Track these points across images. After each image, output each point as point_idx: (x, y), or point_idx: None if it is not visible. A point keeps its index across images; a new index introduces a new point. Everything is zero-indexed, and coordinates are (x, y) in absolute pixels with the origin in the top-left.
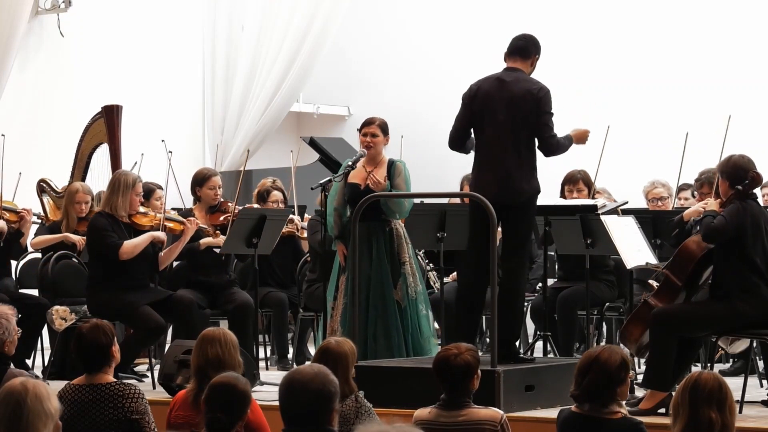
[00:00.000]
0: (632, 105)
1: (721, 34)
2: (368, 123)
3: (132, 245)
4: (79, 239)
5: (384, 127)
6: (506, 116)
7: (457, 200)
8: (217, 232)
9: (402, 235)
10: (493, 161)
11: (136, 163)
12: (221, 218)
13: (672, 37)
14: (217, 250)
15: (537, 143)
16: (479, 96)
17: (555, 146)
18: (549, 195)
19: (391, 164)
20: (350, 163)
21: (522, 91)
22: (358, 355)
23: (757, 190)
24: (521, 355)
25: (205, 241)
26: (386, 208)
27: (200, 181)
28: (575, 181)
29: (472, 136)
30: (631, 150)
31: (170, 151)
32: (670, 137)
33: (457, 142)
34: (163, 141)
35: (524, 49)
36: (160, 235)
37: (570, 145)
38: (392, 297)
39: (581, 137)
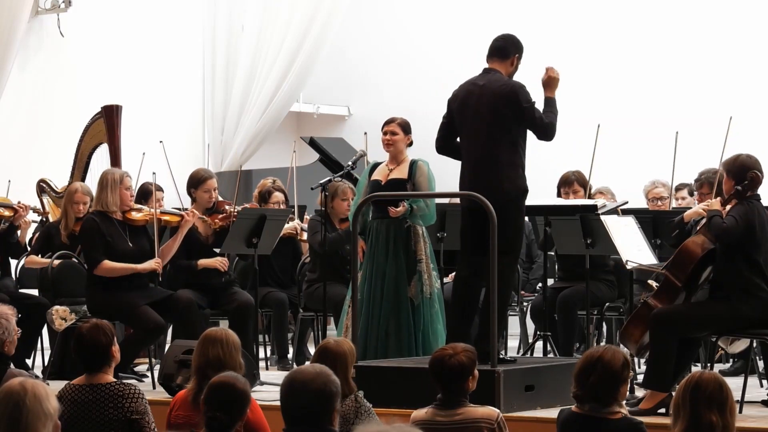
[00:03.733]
0: (632, 104)
1: (720, 34)
2: (388, 122)
3: (110, 268)
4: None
5: (404, 126)
6: (482, 120)
7: (458, 200)
8: (211, 227)
9: (420, 233)
10: (473, 165)
11: (144, 153)
12: (218, 220)
13: (669, 36)
14: (218, 250)
15: (536, 137)
16: (457, 102)
17: (549, 127)
18: (546, 197)
19: (413, 164)
20: (350, 163)
21: (493, 92)
22: (368, 351)
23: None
24: (502, 357)
25: (203, 262)
26: (415, 219)
27: (195, 183)
28: (570, 182)
29: None
30: (630, 150)
31: (161, 141)
32: (670, 137)
33: (440, 146)
34: (161, 142)
35: (503, 49)
36: (146, 266)
37: (555, 103)
38: (406, 294)
39: (552, 84)
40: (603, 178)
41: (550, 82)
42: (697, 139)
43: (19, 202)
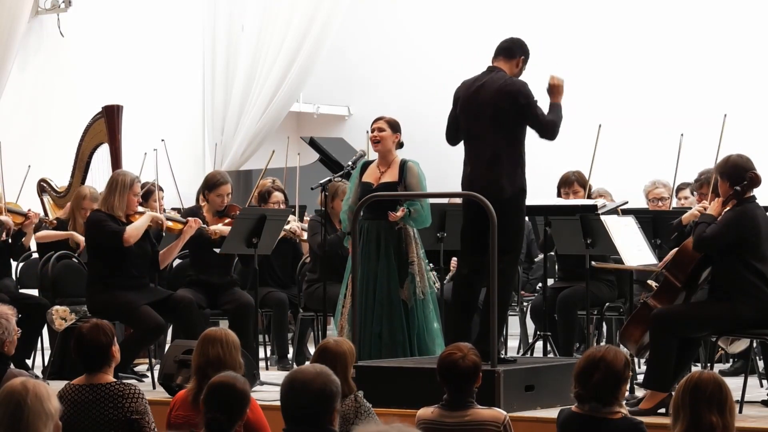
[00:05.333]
0: (633, 105)
1: (718, 33)
2: (377, 119)
3: (134, 228)
4: (83, 240)
5: (393, 124)
6: (484, 117)
7: (458, 200)
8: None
9: (411, 235)
10: (474, 163)
11: (146, 153)
12: (226, 223)
13: (671, 36)
14: (218, 251)
15: (538, 135)
16: (460, 99)
17: (550, 125)
18: (546, 197)
19: (403, 164)
20: (350, 163)
21: (496, 90)
22: (362, 353)
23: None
24: (502, 357)
25: (215, 228)
26: (411, 221)
27: (210, 186)
28: (570, 183)
29: None
30: (630, 150)
31: (162, 139)
32: (668, 136)
33: (449, 138)
34: (162, 140)
35: (509, 49)
36: (160, 216)
37: (560, 109)
38: (398, 296)
39: (555, 91)
40: (603, 178)
41: (553, 90)
42: (699, 139)
43: (29, 210)
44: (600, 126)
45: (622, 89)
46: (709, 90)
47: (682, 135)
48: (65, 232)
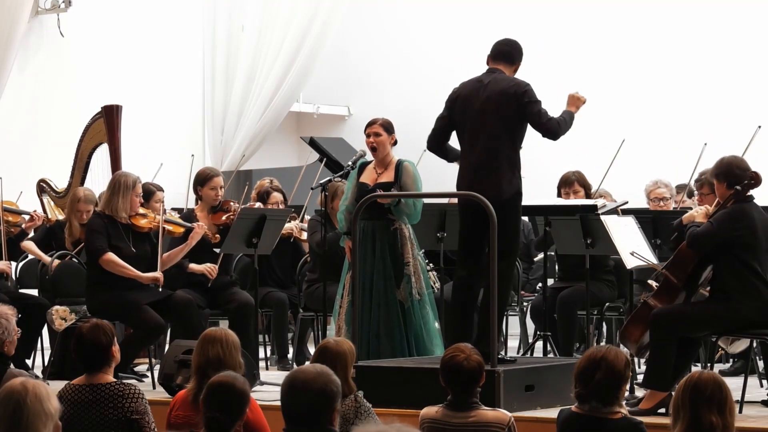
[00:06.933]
0: (628, 107)
1: (723, 41)
2: (371, 123)
3: (114, 261)
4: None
5: (387, 126)
6: (486, 117)
7: (457, 200)
8: (217, 236)
9: (407, 236)
10: (475, 163)
11: (162, 164)
12: (223, 218)
13: (685, 46)
14: (217, 251)
15: (540, 134)
16: (459, 101)
17: (556, 128)
18: (546, 197)
19: (399, 165)
20: (350, 163)
21: (500, 91)
22: (360, 354)
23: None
24: (502, 357)
25: (193, 266)
26: (399, 213)
27: (202, 180)
28: (570, 183)
29: (458, 148)
30: (632, 156)
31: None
32: (666, 142)
33: (433, 143)
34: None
35: (509, 54)
36: (148, 275)
37: (572, 118)
38: (395, 297)
39: (576, 103)
40: (605, 180)
41: (571, 99)
42: (724, 148)
43: (34, 211)
44: (623, 141)
45: (621, 88)
46: (736, 100)
47: (705, 144)
48: (45, 256)
